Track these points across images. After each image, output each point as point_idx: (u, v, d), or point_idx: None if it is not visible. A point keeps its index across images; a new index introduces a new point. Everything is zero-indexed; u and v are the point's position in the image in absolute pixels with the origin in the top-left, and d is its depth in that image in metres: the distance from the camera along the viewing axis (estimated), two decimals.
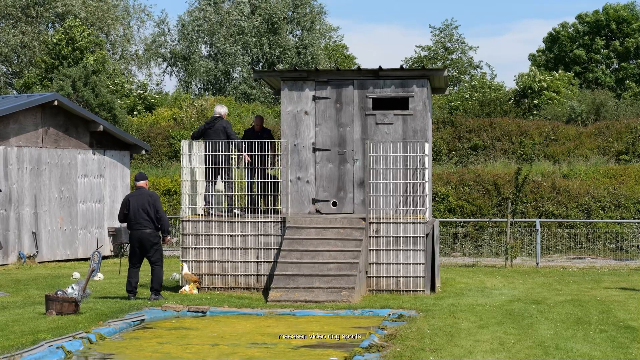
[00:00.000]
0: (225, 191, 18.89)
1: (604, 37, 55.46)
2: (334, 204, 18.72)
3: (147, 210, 16.58)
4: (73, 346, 11.98)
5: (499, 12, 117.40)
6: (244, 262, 18.22)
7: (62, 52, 46.20)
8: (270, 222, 18.32)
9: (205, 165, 18.77)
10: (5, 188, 24.21)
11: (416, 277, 17.78)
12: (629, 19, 54.95)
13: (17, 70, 53.49)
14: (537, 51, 58.98)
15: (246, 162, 18.99)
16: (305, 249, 17.62)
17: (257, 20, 56.71)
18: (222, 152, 18.67)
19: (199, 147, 18.88)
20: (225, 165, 18.70)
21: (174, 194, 32.37)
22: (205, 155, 18.73)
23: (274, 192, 18.89)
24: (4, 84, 52.85)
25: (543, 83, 44.35)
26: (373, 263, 17.92)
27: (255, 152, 18.83)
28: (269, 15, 57.06)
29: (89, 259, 24.38)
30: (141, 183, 17.10)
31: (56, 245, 25.73)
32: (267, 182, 18.90)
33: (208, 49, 59.28)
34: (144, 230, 16.60)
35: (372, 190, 18.28)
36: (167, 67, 59.95)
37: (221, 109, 19.26)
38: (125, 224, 17.30)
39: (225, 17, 57.26)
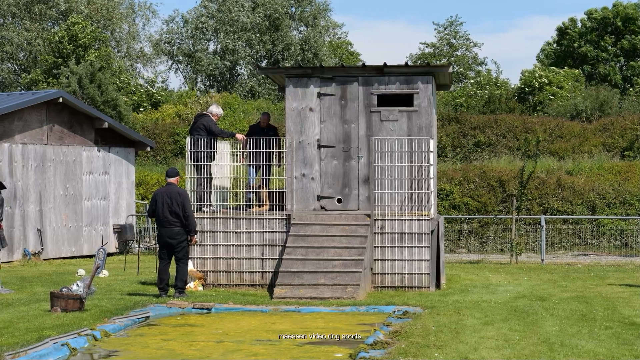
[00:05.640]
0: (205, 187, 18.66)
1: (611, 35, 55.33)
2: (339, 200, 18.71)
3: (175, 209, 16.44)
4: (78, 343, 12.00)
5: (503, 8, 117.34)
6: (249, 259, 18.21)
7: (65, 50, 46.15)
8: (275, 218, 18.31)
9: (191, 162, 18.65)
10: (10, 185, 24.21)
11: (421, 273, 17.77)
12: (635, 16, 54.81)
13: (23, 67, 53.51)
14: (543, 49, 58.87)
15: (243, 152, 18.97)
16: (310, 246, 17.62)
17: (259, 17, 56.67)
18: (204, 148, 18.52)
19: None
20: (206, 161, 18.57)
21: None
22: (190, 152, 18.62)
23: (279, 189, 18.88)
24: (10, 81, 52.86)
25: (545, 79, 44.23)
26: (378, 260, 17.91)
27: (259, 148, 18.82)
28: (270, 11, 57.02)
29: (94, 256, 24.39)
30: (172, 180, 16.86)
31: (61, 242, 25.75)
32: (272, 178, 18.89)
33: (213, 45, 59.27)
34: (172, 228, 16.52)
35: (377, 187, 18.27)
36: (172, 64, 59.98)
37: (213, 108, 19.04)
38: (154, 219, 17.03)
39: (226, 14, 57.22)
